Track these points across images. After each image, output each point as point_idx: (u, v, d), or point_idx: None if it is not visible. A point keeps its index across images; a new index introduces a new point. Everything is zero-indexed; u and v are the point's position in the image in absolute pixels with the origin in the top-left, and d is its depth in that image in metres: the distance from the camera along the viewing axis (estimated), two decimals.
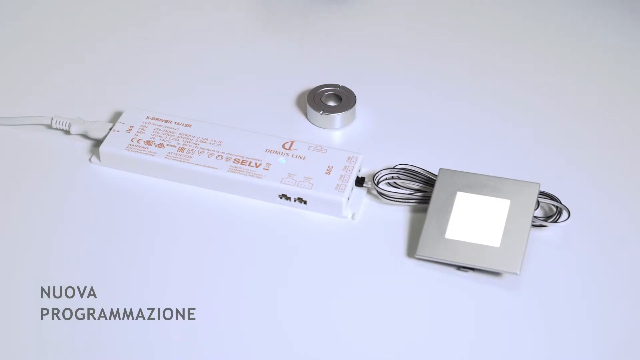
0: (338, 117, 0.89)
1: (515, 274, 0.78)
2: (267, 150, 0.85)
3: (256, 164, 0.84)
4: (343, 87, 0.91)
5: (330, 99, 0.91)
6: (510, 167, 0.86)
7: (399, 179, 0.85)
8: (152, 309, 0.77)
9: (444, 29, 1.01)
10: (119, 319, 0.76)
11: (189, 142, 0.86)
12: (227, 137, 0.86)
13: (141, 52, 0.98)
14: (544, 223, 0.81)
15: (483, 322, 0.77)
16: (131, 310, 0.77)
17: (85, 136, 0.89)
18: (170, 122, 0.88)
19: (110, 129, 0.88)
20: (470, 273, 0.79)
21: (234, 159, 0.85)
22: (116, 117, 0.90)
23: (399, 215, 0.83)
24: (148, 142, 0.86)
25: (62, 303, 0.77)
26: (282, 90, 0.94)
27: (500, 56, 0.98)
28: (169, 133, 0.87)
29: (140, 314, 0.77)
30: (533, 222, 0.81)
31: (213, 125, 0.87)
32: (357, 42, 0.99)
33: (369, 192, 0.85)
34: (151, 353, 0.75)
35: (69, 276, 0.79)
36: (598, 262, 0.80)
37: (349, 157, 0.85)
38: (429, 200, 0.82)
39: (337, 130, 0.90)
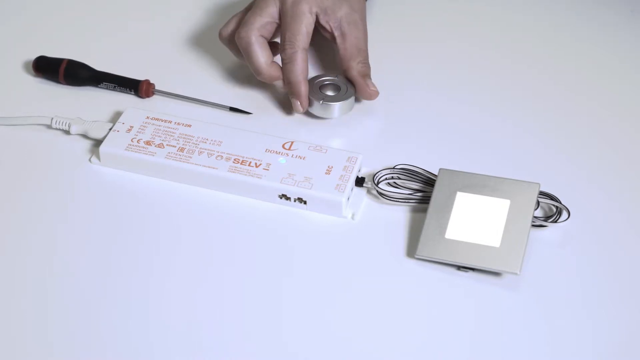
0: (337, 106, 0.90)
1: (515, 274, 0.77)
2: (267, 150, 0.85)
3: (256, 164, 0.84)
4: (341, 78, 0.91)
5: (328, 89, 0.91)
6: (510, 167, 0.86)
7: (399, 179, 0.85)
8: (153, 309, 0.77)
9: (444, 29, 1.00)
10: (119, 318, 0.76)
11: (189, 142, 0.86)
12: (227, 137, 0.86)
13: (141, 52, 0.98)
14: (544, 223, 0.81)
15: (483, 322, 0.76)
16: (131, 309, 0.77)
17: (85, 136, 0.89)
18: (170, 122, 0.88)
19: (110, 129, 0.88)
20: (470, 273, 0.79)
21: (234, 159, 0.85)
22: (116, 117, 0.90)
23: (399, 215, 0.83)
24: (148, 142, 0.86)
25: (62, 302, 0.77)
26: (284, 90, 0.94)
27: (500, 56, 0.98)
28: (169, 133, 0.87)
29: (140, 314, 0.77)
30: (533, 222, 0.81)
31: (213, 125, 0.87)
32: None
33: (369, 192, 0.85)
34: (151, 353, 0.75)
35: (69, 275, 0.79)
36: (598, 262, 0.80)
37: (349, 157, 0.85)
38: (429, 200, 0.82)
39: (335, 121, 0.90)
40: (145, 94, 0.93)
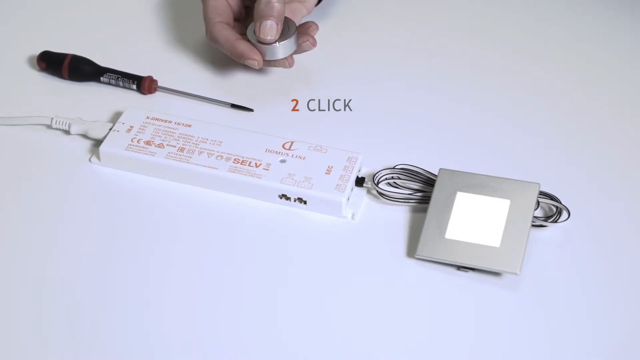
0: (279, 47, 0.90)
1: (515, 274, 0.78)
2: (267, 150, 0.85)
3: (256, 164, 0.84)
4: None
5: None
6: (510, 167, 0.86)
7: (399, 179, 0.85)
8: (152, 309, 0.77)
9: (444, 28, 1.01)
10: (119, 318, 0.76)
11: (189, 142, 0.86)
12: (227, 137, 0.86)
13: (141, 52, 0.98)
14: (544, 223, 0.81)
15: (483, 322, 0.77)
16: (131, 309, 0.77)
17: (85, 136, 0.89)
18: (170, 122, 0.88)
19: (110, 129, 0.88)
20: (470, 273, 0.79)
21: (234, 159, 0.85)
22: (116, 117, 0.90)
23: (399, 215, 0.83)
24: (148, 142, 0.86)
25: (62, 302, 0.77)
26: (284, 90, 0.94)
27: (500, 56, 0.98)
28: (169, 133, 0.87)
29: (140, 314, 0.77)
30: (533, 222, 0.81)
31: (213, 125, 0.87)
32: (357, 41, 0.99)
33: (369, 192, 0.85)
34: (151, 353, 0.75)
35: (69, 276, 0.79)
36: (598, 262, 0.80)
37: (349, 157, 0.85)
38: (429, 200, 0.82)
39: (335, 121, 0.90)
40: (148, 90, 0.93)
